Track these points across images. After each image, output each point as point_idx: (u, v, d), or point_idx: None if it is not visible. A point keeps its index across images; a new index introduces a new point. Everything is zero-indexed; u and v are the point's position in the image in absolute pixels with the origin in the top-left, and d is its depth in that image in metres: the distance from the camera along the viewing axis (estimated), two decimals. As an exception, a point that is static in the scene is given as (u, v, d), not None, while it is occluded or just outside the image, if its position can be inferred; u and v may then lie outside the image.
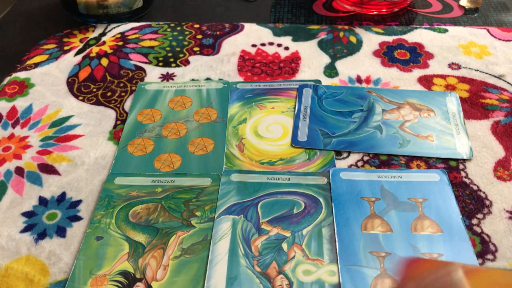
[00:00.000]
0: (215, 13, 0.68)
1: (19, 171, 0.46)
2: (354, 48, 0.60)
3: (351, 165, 0.46)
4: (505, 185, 0.43)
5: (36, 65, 0.59)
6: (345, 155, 0.47)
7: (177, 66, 0.58)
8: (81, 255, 0.39)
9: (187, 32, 0.64)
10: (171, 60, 0.59)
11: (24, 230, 0.41)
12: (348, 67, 0.57)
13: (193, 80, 0.56)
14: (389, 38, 0.61)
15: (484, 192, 0.43)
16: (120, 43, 0.62)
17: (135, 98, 0.54)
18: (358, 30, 0.63)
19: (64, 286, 0.37)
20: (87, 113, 0.52)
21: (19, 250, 0.40)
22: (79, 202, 0.43)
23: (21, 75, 0.57)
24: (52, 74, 0.58)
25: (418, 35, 0.62)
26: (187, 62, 0.59)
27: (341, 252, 0.38)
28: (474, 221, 0.41)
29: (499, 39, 0.60)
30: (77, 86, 0.56)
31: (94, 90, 0.55)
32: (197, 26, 0.65)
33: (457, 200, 0.42)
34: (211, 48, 0.61)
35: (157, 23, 0.66)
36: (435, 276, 0.22)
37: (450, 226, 0.40)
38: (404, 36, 0.62)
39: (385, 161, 0.46)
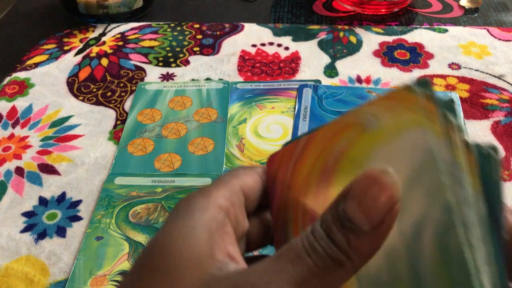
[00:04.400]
0: (215, 13, 0.68)
1: (19, 171, 0.46)
2: (354, 48, 0.60)
3: (351, 165, 0.45)
4: (505, 185, 0.43)
5: (36, 65, 0.59)
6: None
7: (177, 66, 0.58)
8: (81, 255, 0.39)
9: (187, 32, 0.64)
10: (171, 60, 0.59)
11: (24, 230, 0.41)
12: (348, 67, 0.57)
13: (193, 80, 0.56)
14: (389, 38, 0.61)
15: (484, 192, 0.43)
16: (120, 43, 0.62)
17: (135, 98, 0.54)
18: (358, 30, 0.63)
19: (64, 286, 0.37)
20: (87, 113, 0.52)
21: (19, 250, 0.40)
22: (79, 202, 0.43)
23: (21, 75, 0.57)
24: (52, 74, 0.58)
25: (418, 35, 0.62)
26: (187, 62, 0.59)
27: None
28: (474, 221, 0.41)
29: (499, 39, 0.60)
30: (77, 86, 0.56)
31: (94, 90, 0.55)
32: (197, 26, 0.65)
33: (457, 200, 0.42)
34: (211, 48, 0.61)
35: (157, 23, 0.66)
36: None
37: (450, 226, 0.40)
38: (404, 36, 0.62)
39: (385, 161, 0.46)
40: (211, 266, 0.18)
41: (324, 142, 0.21)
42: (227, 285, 0.17)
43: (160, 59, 0.59)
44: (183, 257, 0.18)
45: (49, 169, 0.46)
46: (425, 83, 0.18)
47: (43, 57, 0.60)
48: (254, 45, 0.61)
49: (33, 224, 0.42)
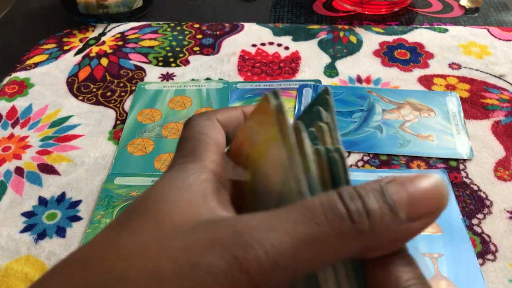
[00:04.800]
0: (215, 13, 0.68)
1: (19, 171, 0.46)
2: (354, 48, 0.60)
3: (351, 165, 0.45)
4: (505, 185, 0.43)
5: (36, 65, 0.59)
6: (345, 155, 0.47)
7: (177, 66, 0.58)
8: (81, 255, 0.39)
9: (187, 32, 0.64)
10: (171, 60, 0.59)
11: (24, 230, 0.41)
12: (348, 67, 0.57)
13: (193, 80, 0.56)
14: (389, 38, 0.61)
15: (484, 192, 0.43)
16: (120, 43, 0.62)
17: (135, 98, 0.54)
18: (358, 30, 0.63)
19: (64, 286, 0.37)
20: (87, 113, 0.52)
21: (19, 250, 0.40)
22: (79, 202, 0.43)
23: (21, 75, 0.57)
24: (52, 74, 0.58)
25: (418, 35, 0.62)
26: (187, 62, 0.59)
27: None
28: (475, 221, 0.41)
29: (500, 39, 0.60)
30: (77, 86, 0.56)
31: (94, 90, 0.55)
32: (197, 26, 0.65)
33: (457, 200, 0.42)
34: (211, 48, 0.61)
35: (157, 23, 0.66)
36: None
37: (450, 226, 0.40)
38: (404, 36, 0.62)
39: (385, 161, 0.46)
40: (204, 211, 0.17)
41: (236, 151, 0.22)
42: (225, 226, 0.16)
43: (160, 59, 0.59)
44: (176, 203, 0.18)
45: (49, 169, 0.46)
46: (275, 94, 0.18)
47: (43, 57, 0.60)
48: (254, 45, 0.61)
49: (33, 224, 0.42)
